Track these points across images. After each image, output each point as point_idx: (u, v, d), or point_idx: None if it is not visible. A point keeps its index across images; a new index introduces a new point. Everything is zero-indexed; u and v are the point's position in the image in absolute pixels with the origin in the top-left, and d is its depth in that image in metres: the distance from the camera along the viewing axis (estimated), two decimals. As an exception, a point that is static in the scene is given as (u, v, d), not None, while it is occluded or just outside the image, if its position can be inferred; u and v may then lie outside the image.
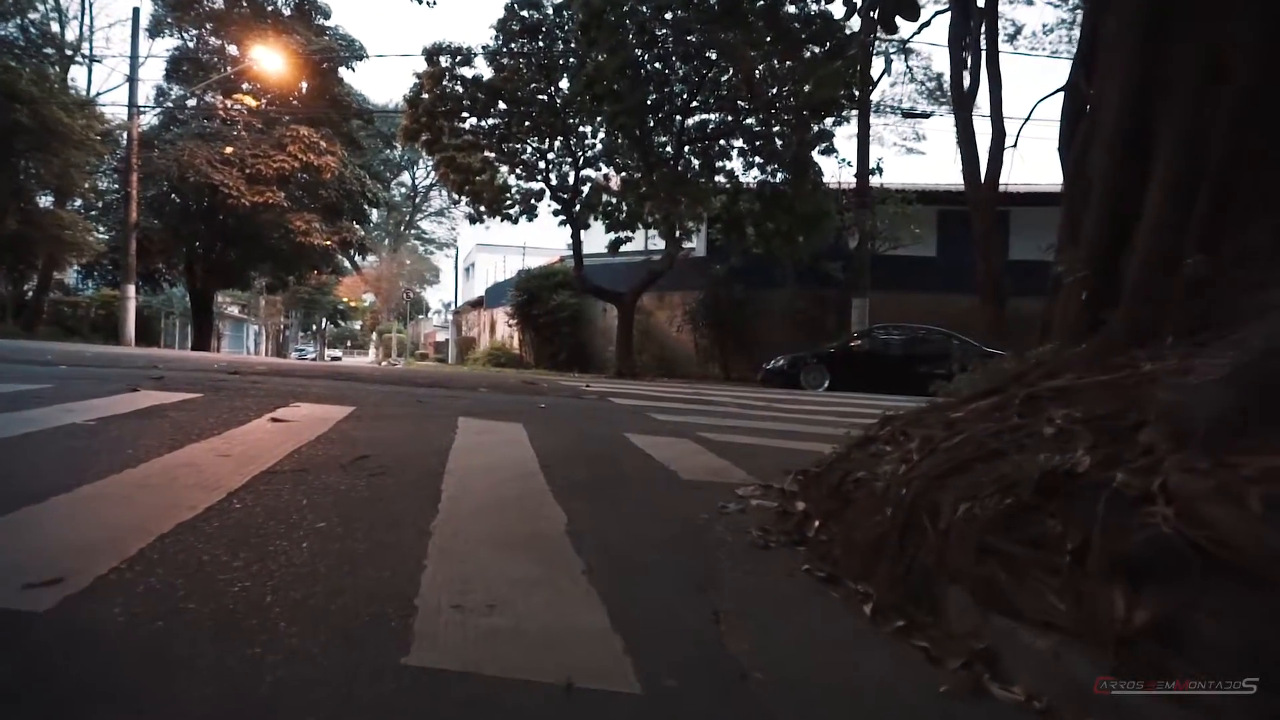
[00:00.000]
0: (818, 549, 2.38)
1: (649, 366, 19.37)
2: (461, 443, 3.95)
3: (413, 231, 60.63)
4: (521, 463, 3.50)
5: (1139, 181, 3.13)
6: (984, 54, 15.34)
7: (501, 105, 17.48)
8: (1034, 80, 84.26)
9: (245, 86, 25.37)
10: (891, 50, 18.75)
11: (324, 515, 2.29)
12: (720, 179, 17.46)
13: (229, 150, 23.03)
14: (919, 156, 54.45)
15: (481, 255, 49.87)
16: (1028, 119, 14.15)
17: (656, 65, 16.65)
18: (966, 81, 15.61)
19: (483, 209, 18.66)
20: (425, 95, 17.06)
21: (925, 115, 19.22)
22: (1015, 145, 16.83)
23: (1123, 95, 3.27)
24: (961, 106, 15.61)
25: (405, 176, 56.52)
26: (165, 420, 3.98)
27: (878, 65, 18.95)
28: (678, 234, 17.11)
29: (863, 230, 15.86)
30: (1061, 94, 5.09)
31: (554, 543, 2.21)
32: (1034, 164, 31.82)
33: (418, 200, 58.78)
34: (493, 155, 18.31)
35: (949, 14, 15.80)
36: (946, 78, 20.88)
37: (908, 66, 20.78)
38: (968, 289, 16.38)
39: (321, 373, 9.09)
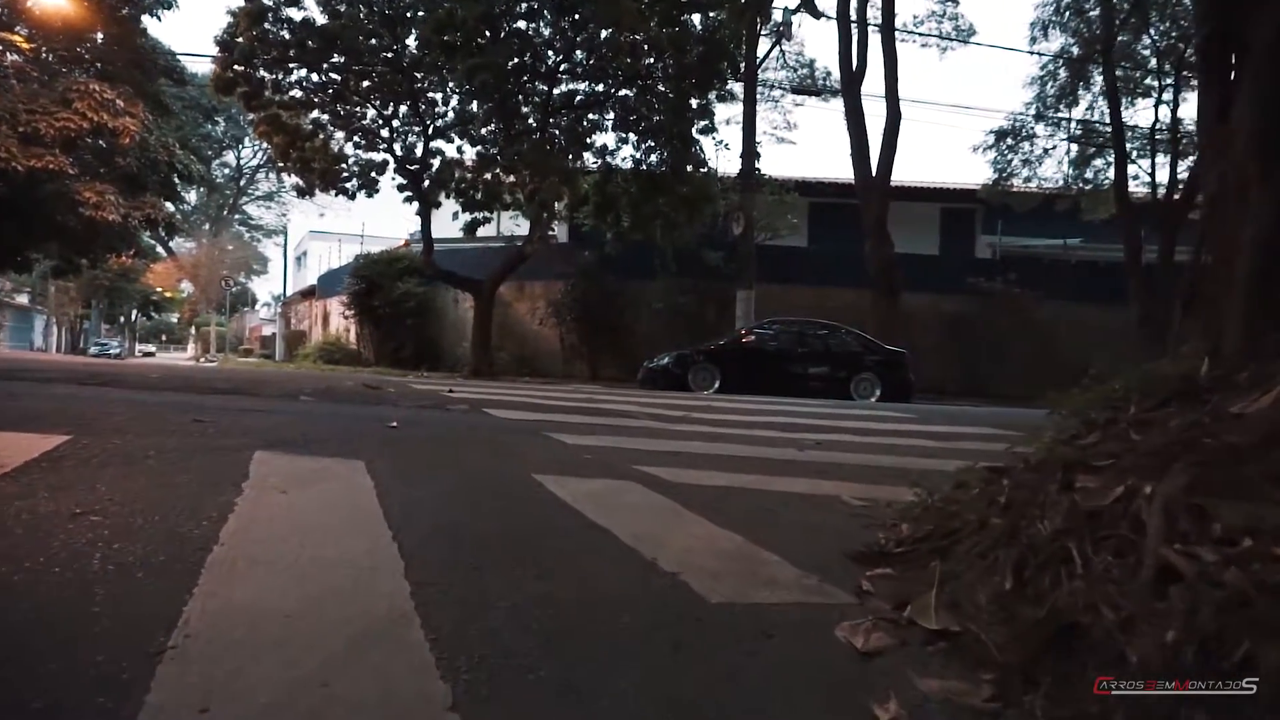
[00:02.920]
0: None
1: (508, 364, 17.31)
2: (245, 521, 1.99)
3: (237, 216, 54.85)
4: (365, 581, 1.62)
5: None
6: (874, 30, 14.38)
7: (338, 58, 14.87)
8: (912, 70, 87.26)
9: (20, 31, 21.05)
10: (768, 31, 17.46)
11: None
12: (589, 156, 15.73)
13: (-10, 99, 18.81)
14: (789, 147, 55.09)
15: (315, 243, 46.15)
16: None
17: (520, 25, 14.70)
18: (855, 61, 14.58)
19: (315, 180, 15.96)
20: (241, 39, 14.19)
21: (816, 92, 18.10)
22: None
23: None
24: (850, 86, 14.57)
25: (230, 157, 51.06)
26: None
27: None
28: (545, 215, 15.15)
29: (748, 216, 14.53)
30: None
31: None
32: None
33: (243, 183, 53.18)
34: (326, 117, 15.65)
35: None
36: (820, 65, 20.09)
37: (781, 51, 19.68)
38: (845, 282, 15.73)
39: (67, 373, 6.52)
